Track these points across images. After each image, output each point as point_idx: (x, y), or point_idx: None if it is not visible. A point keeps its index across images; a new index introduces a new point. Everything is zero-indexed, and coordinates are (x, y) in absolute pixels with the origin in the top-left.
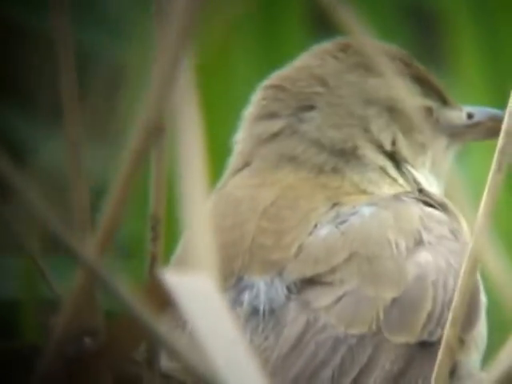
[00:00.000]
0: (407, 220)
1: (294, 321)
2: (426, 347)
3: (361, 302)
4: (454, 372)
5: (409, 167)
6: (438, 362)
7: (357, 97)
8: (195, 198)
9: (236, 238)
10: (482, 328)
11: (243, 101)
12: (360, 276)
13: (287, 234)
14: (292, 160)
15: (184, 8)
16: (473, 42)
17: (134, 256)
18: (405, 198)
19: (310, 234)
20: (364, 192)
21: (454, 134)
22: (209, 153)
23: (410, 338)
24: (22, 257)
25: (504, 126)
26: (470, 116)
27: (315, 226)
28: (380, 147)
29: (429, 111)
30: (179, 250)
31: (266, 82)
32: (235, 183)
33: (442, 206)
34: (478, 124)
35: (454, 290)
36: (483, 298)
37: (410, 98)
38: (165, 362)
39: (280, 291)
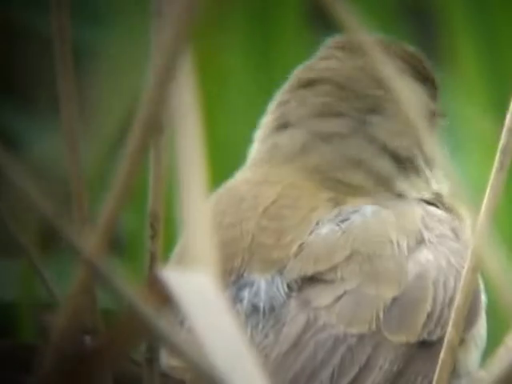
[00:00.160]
0: (409, 219)
1: (293, 319)
2: (426, 347)
3: (361, 301)
4: (453, 371)
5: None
6: (440, 362)
7: (415, 105)
8: (194, 196)
9: (236, 236)
10: (481, 327)
11: (240, 98)
12: (361, 275)
13: (288, 232)
14: (357, 164)
15: (182, 6)
16: (472, 42)
17: (133, 254)
18: (406, 197)
19: (311, 232)
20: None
21: None
22: (207, 150)
23: (410, 337)
24: (19, 257)
25: (506, 125)
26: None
27: (316, 224)
28: (426, 160)
29: (434, 115)
30: (178, 247)
31: (314, 75)
32: (238, 180)
33: (448, 207)
34: None
35: (454, 290)
36: (483, 297)
37: (427, 101)
38: (164, 361)
39: (280, 289)
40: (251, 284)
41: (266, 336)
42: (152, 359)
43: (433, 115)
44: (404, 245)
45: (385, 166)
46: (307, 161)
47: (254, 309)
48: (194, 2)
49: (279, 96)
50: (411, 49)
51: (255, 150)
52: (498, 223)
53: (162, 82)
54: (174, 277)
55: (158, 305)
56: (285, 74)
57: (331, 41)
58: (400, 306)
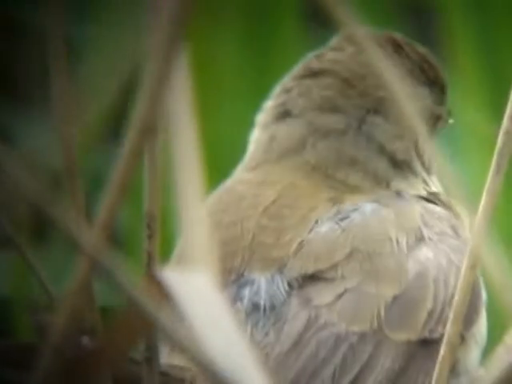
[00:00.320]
0: (408, 217)
1: (294, 317)
2: (427, 345)
3: (362, 299)
4: (453, 369)
5: (435, 179)
6: (439, 359)
7: (415, 108)
8: (191, 196)
9: (236, 235)
10: (482, 325)
11: (237, 98)
12: (361, 273)
13: (288, 232)
14: (353, 163)
15: (177, 6)
16: (471, 41)
17: (131, 253)
18: (406, 195)
19: (311, 230)
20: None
21: None
22: (203, 150)
23: (411, 335)
24: (14, 253)
25: (503, 127)
26: None
27: (316, 222)
28: (423, 163)
29: (438, 119)
30: (178, 247)
31: (321, 66)
32: (238, 179)
33: (446, 204)
34: None
35: (454, 288)
36: (484, 295)
37: (432, 105)
38: (164, 359)
39: (281, 287)
40: (251, 282)
41: (267, 334)
42: (151, 358)
43: (437, 119)
44: (404, 243)
45: (381, 167)
46: (305, 158)
47: (255, 307)
48: (188, 2)
49: (285, 82)
50: (423, 50)
51: (256, 138)
52: (496, 223)
53: (157, 83)
54: (173, 276)
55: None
56: (282, 73)
57: (346, 32)
58: (401, 305)
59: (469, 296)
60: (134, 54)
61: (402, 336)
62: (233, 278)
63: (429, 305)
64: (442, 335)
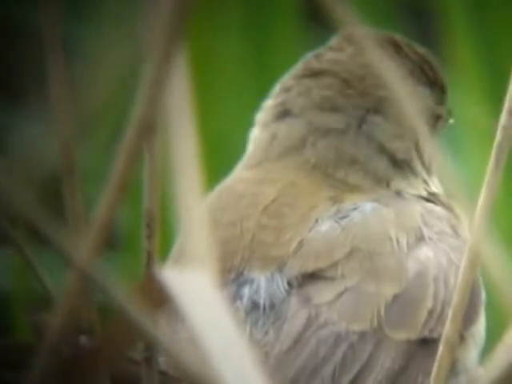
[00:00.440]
0: (408, 216)
1: (294, 316)
2: (427, 344)
3: (362, 298)
4: (452, 369)
5: (435, 179)
6: (437, 358)
7: (414, 109)
8: (190, 194)
9: (236, 234)
10: (481, 325)
11: (236, 97)
12: (361, 272)
13: (287, 230)
14: (353, 162)
15: (177, 2)
16: (470, 40)
17: (131, 252)
18: (405, 195)
19: (311, 229)
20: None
21: None
22: (202, 148)
23: (411, 334)
24: (12, 251)
25: (501, 122)
26: None
27: (316, 221)
28: (423, 162)
29: (438, 119)
30: (176, 247)
31: (321, 66)
32: (238, 177)
33: (445, 205)
34: None
35: (455, 287)
36: (483, 295)
37: (433, 106)
38: (163, 358)
39: (281, 286)
40: (251, 281)
41: (266, 333)
42: (150, 358)
43: (437, 119)
44: (404, 242)
45: (381, 166)
46: (305, 157)
47: (254, 306)
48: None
49: (284, 81)
50: (422, 50)
51: (255, 137)
52: (496, 219)
53: (155, 81)
54: (172, 276)
55: (156, 305)
56: (281, 72)
57: (345, 32)
58: (401, 304)
59: (468, 295)
60: (133, 52)
61: (401, 335)
62: (232, 277)
63: (429, 304)
64: (442, 335)
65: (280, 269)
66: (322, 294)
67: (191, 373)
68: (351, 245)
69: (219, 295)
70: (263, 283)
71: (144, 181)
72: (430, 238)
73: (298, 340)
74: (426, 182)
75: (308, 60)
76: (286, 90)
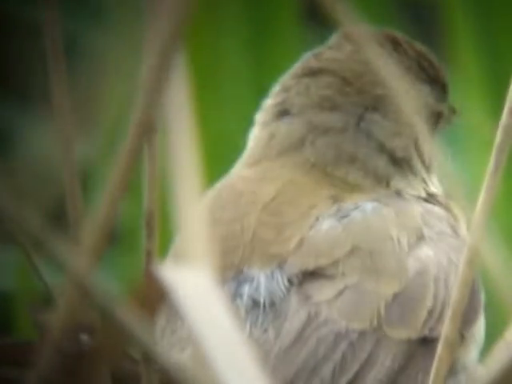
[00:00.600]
0: (409, 216)
1: (295, 314)
2: (427, 343)
3: (362, 297)
4: (452, 368)
5: (434, 179)
6: (436, 357)
7: (413, 107)
8: (189, 193)
9: (236, 231)
10: (480, 324)
11: (235, 95)
12: (361, 270)
13: (288, 227)
14: (352, 160)
15: (175, 3)
16: (471, 39)
17: (131, 249)
18: (405, 195)
19: (311, 227)
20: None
21: None
22: (202, 147)
23: (411, 333)
24: (16, 250)
25: (502, 122)
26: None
27: (316, 219)
28: (423, 161)
29: (439, 117)
30: (175, 244)
31: (320, 65)
32: (237, 176)
33: (444, 206)
34: None
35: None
36: (483, 295)
37: (431, 101)
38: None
39: (281, 284)
40: (251, 279)
41: (266, 331)
42: (150, 357)
43: (438, 117)
44: (404, 241)
45: (381, 164)
46: (304, 155)
47: (254, 304)
48: (188, 1)
49: (283, 80)
50: (422, 47)
51: (255, 136)
52: (496, 220)
53: (155, 81)
54: (171, 274)
55: (155, 303)
56: (281, 72)
57: (344, 30)
58: (401, 303)
59: (467, 294)
60: (134, 52)
61: (401, 334)
62: (232, 275)
63: (429, 303)
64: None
65: (280, 266)
66: (322, 292)
67: (183, 380)
68: (352, 243)
69: (219, 293)
70: (263, 281)
71: (144, 180)
72: (430, 238)
73: (298, 338)
74: (424, 181)
75: (307, 59)
76: (285, 89)
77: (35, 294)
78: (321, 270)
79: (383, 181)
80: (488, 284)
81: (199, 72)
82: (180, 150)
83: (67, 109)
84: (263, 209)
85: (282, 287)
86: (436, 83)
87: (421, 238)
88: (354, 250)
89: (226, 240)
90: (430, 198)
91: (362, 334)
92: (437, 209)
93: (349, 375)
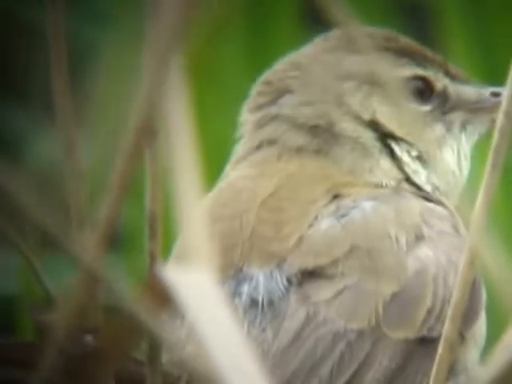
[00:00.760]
0: (408, 215)
1: (293, 314)
2: (426, 343)
3: (361, 297)
4: (452, 368)
5: (393, 143)
6: (437, 357)
7: (331, 74)
8: (190, 195)
9: (235, 228)
10: (481, 324)
11: (234, 98)
12: (360, 270)
13: (287, 224)
14: (272, 143)
15: (175, 5)
16: (465, 37)
17: (134, 251)
18: (405, 193)
19: (310, 226)
20: (354, 176)
21: (474, 110)
22: (201, 149)
23: (409, 333)
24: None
25: (498, 125)
26: (495, 95)
27: (315, 218)
28: (358, 118)
29: (426, 81)
30: (177, 246)
31: (260, 79)
32: (236, 174)
33: (437, 202)
34: None
35: (454, 286)
36: (484, 295)
37: (390, 69)
38: (164, 356)
39: (280, 283)
40: (250, 278)
41: (264, 330)
42: (153, 358)
43: (425, 83)
44: (403, 240)
45: (298, 139)
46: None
47: (253, 303)
48: (189, 3)
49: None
50: (389, 30)
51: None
52: (496, 220)
53: (155, 82)
54: (173, 275)
55: (158, 304)
56: None
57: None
58: (400, 302)
59: (467, 294)
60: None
61: (399, 334)
62: (232, 273)
63: (428, 302)
64: (442, 334)
65: (279, 265)
66: (321, 291)
67: (192, 368)
68: (351, 243)
69: (219, 293)
70: (262, 280)
71: (146, 182)
72: (429, 238)
73: (296, 338)
74: (398, 165)
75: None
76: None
77: (38, 295)
78: (320, 269)
79: (320, 156)
80: (488, 284)
81: (199, 74)
82: (181, 151)
83: (69, 109)
84: (262, 205)
85: (281, 287)
86: (407, 52)
87: (420, 237)
88: (352, 250)
89: (226, 237)
90: (425, 195)
91: (361, 333)
92: (439, 208)
93: (347, 375)
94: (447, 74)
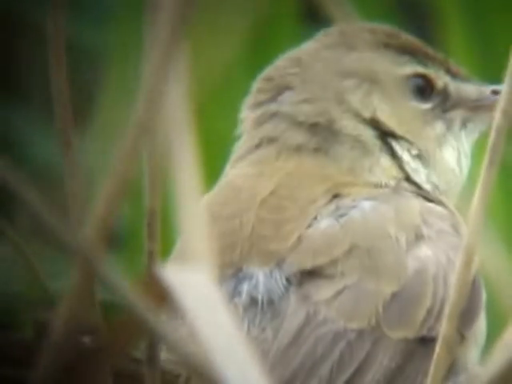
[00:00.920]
0: (407, 214)
1: (293, 314)
2: (426, 343)
3: (361, 296)
4: (452, 368)
5: (393, 142)
6: (435, 357)
7: (331, 71)
8: (190, 193)
9: (235, 228)
10: (481, 324)
11: (235, 96)
12: (360, 269)
13: (286, 224)
14: (271, 141)
15: (176, 4)
16: (466, 34)
17: (132, 251)
18: (405, 193)
19: (310, 225)
20: (353, 176)
21: (475, 108)
22: (201, 147)
23: (409, 333)
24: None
25: (495, 123)
26: (496, 93)
27: (315, 218)
28: (358, 116)
29: (426, 79)
30: (177, 245)
31: (260, 75)
32: (235, 173)
33: (437, 201)
34: None
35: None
36: (484, 294)
37: (390, 67)
38: (163, 355)
39: (279, 282)
40: (250, 277)
41: (263, 330)
42: (152, 357)
43: (426, 81)
44: (403, 240)
45: (298, 137)
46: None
47: (253, 302)
48: (188, 3)
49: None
50: (389, 26)
51: (243, 129)
52: (495, 220)
53: (155, 82)
54: (172, 274)
55: (157, 303)
56: None
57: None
58: (399, 302)
59: (465, 293)
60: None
61: (399, 333)
62: (231, 272)
63: (428, 302)
64: None
65: (279, 265)
66: (321, 291)
67: (193, 364)
68: (350, 242)
69: (218, 293)
70: (262, 279)
71: (145, 181)
72: (429, 237)
73: (296, 338)
74: (398, 164)
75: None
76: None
77: (37, 294)
78: (319, 269)
79: (320, 154)
80: (488, 284)
81: (199, 73)
82: (180, 150)
83: (67, 110)
84: (262, 204)
85: (281, 286)
86: (408, 50)
87: (420, 236)
88: (352, 249)
89: (226, 236)
90: (422, 192)
91: (361, 333)
92: (438, 207)
93: (347, 375)
94: (448, 71)
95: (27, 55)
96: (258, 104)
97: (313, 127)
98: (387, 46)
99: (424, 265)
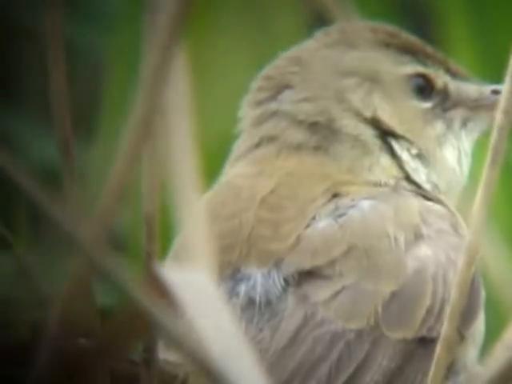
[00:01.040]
0: (406, 214)
1: (291, 314)
2: (425, 343)
3: (359, 296)
4: (452, 367)
5: (394, 141)
6: (435, 357)
7: (331, 69)
8: (189, 193)
9: (234, 227)
10: (480, 323)
11: (235, 97)
12: (359, 269)
13: (285, 224)
14: (271, 140)
15: (175, 5)
16: (466, 33)
17: (132, 253)
18: (404, 192)
19: (308, 226)
20: (353, 175)
21: (475, 107)
22: (201, 148)
23: (409, 333)
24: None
25: (496, 122)
26: (496, 92)
27: (314, 218)
28: (359, 115)
29: (427, 79)
30: (176, 244)
31: (260, 74)
32: (235, 172)
33: (437, 201)
34: None
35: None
36: (483, 294)
37: (391, 67)
38: (161, 356)
39: (277, 283)
40: (248, 278)
41: (261, 330)
42: (149, 359)
43: (426, 81)
44: (402, 239)
45: (298, 136)
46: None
47: (250, 302)
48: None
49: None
50: (391, 25)
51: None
52: (496, 219)
53: (155, 82)
54: (171, 274)
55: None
56: None
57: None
58: (399, 302)
59: (466, 293)
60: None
61: (398, 334)
62: (230, 273)
63: (427, 301)
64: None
65: (277, 265)
66: (319, 292)
67: (195, 357)
68: (349, 242)
69: (217, 293)
70: (260, 279)
71: (144, 182)
72: (428, 237)
73: (294, 338)
74: (398, 163)
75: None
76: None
77: (34, 294)
78: (318, 269)
79: (320, 153)
80: (489, 283)
81: (199, 73)
82: (180, 150)
83: (66, 110)
84: (262, 203)
85: (279, 286)
86: (409, 49)
87: (419, 236)
88: (351, 249)
89: (225, 236)
90: (421, 191)
91: (359, 333)
92: (438, 207)
93: (345, 375)
94: (448, 71)
95: (26, 57)
96: (258, 103)
97: (313, 126)
98: (388, 45)
99: (423, 264)
